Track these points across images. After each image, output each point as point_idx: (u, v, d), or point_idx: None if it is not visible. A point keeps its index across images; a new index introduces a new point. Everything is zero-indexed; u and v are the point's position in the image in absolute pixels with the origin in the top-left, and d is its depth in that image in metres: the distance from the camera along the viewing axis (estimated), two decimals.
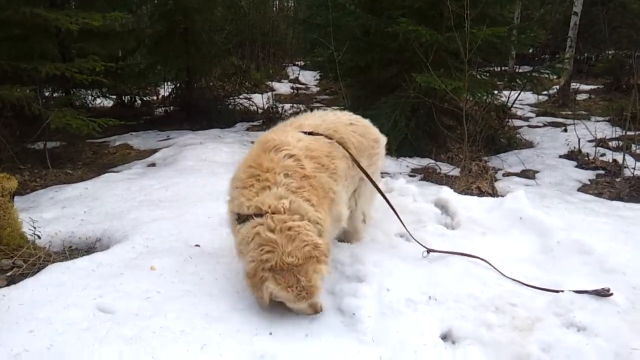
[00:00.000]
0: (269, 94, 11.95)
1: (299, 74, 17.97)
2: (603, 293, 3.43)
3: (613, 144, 8.32)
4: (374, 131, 4.20)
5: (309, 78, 17.38)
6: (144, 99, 12.21)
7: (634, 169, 6.48)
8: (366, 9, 8.55)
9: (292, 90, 15.79)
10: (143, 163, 7.36)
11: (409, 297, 3.45)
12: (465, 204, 4.91)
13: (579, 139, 8.02)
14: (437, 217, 4.79)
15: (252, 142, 8.53)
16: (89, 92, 10.18)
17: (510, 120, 9.99)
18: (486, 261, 3.85)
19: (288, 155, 3.27)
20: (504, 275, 3.71)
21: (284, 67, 19.01)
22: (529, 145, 8.93)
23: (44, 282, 3.27)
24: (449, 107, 7.67)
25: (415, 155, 7.73)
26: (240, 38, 13.55)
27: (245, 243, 3.01)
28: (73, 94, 9.52)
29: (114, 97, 11.63)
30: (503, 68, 13.38)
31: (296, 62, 19.69)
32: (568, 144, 8.36)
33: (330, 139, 3.60)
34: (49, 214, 4.80)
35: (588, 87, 15.49)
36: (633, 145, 8.05)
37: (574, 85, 14.02)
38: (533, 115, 12.09)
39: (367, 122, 4.19)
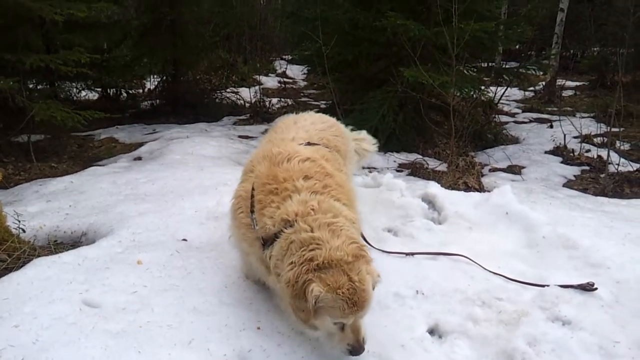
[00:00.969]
0: (257, 88, 11.89)
1: (286, 68, 17.90)
2: (587, 287, 3.49)
3: (598, 140, 8.40)
4: (342, 127, 4.22)
5: (296, 72, 17.33)
6: (130, 92, 12.06)
7: (618, 165, 6.56)
8: (354, 2, 8.52)
9: (279, 85, 15.73)
10: (129, 157, 7.30)
11: (397, 292, 3.47)
12: (452, 199, 4.94)
13: (565, 135, 8.09)
14: (424, 211, 4.82)
15: (239, 137, 8.61)
16: (73, 84, 10.02)
17: (496, 116, 10.06)
18: (467, 257, 3.89)
19: (303, 159, 3.03)
20: (487, 271, 3.75)
21: (272, 61, 18.92)
22: (515, 141, 9.00)
23: (29, 276, 3.24)
24: (437, 102, 7.68)
25: (402, 150, 7.74)
26: (228, 31, 13.44)
27: (281, 259, 2.61)
28: (58, 87, 9.38)
29: (99, 90, 11.47)
30: (490, 64, 13.44)
31: (284, 56, 19.61)
32: (554, 140, 8.43)
33: (327, 147, 3.53)
34: (33, 207, 4.74)
35: (574, 84, 15.64)
36: (617, 142, 8.15)
37: (559, 81, 14.13)
38: (519, 111, 12.17)
39: (334, 120, 4.16)
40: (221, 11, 11.80)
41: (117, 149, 8.04)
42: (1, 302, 2.94)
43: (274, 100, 11.83)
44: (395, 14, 7.15)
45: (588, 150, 7.80)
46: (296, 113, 4.18)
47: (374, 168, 6.72)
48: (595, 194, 6.06)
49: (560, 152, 7.90)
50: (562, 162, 7.49)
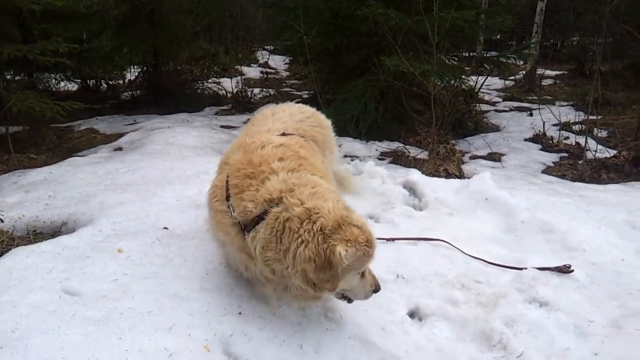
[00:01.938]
0: (239, 78, 11.83)
1: (268, 59, 17.84)
2: (564, 269, 3.56)
3: (576, 127, 8.52)
4: (322, 117, 4.19)
5: (278, 62, 17.28)
6: (110, 82, 11.94)
7: (595, 151, 6.67)
8: None
9: (261, 75, 15.67)
10: (109, 147, 7.23)
11: (378, 276, 3.48)
12: (433, 186, 4.99)
13: (544, 123, 8.19)
14: (405, 198, 4.87)
15: (221, 127, 8.57)
16: (52, 75, 9.90)
17: (477, 105, 10.13)
18: (447, 242, 3.95)
19: (276, 145, 3.03)
20: (467, 255, 3.81)
21: (254, 51, 18.82)
22: (496, 128, 9.08)
23: (7, 265, 3.21)
24: (418, 91, 7.72)
25: (384, 139, 7.77)
26: (209, 20, 13.30)
27: (276, 241, 2.55)
28: (36, 77, 9.26)
29: (79, 81, 11.34)
30: (471, 53, 13.52)
31: (266, 47, 19.52)
32: (533, 128, 8.54)
33: (303, 137, 3.51)
34: (12, 198, 4.69)
35: (553, 73, 15.80)
36: (595, 129, 8.28)
37: (539, 70, 14.27)
38: (500, 99, 12.28)
39: (313, 110, 4.14)
40: (202, 0, 11.67)
41: (97, 139, 7.95)
42: None
43: (256, 90, 11.78)
44: (376, 2, 7.15)
45: (567, 138, 7.90)
46: (277, 103, 4.17)
47: (356, 156, 6.74)
48: (573, 180, 6.15)
49: (540, 139, 8.00)
50: (541, 149, 7.58)
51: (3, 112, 6.66)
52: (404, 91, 7.67)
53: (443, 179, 5.47)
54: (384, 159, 7.02)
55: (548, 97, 11.83)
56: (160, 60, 10.95)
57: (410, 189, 5.02)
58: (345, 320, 2.99)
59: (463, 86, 9.10)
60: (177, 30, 10.87)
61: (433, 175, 5.61)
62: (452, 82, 8.31)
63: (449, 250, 3.88)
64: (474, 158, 7.23)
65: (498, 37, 18.80)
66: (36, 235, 3.98)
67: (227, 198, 2.82)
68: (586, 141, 6.76)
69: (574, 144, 7.58)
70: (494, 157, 7.28)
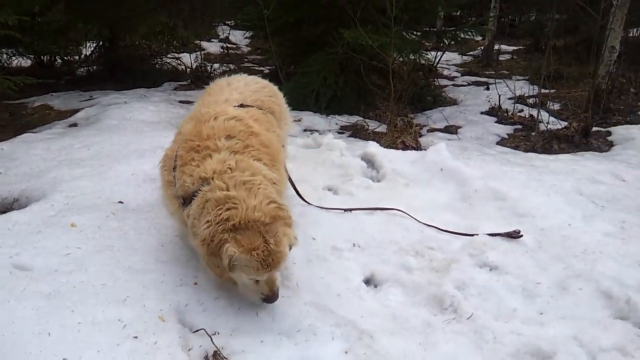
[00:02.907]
0: (198, 53, 11.61)
1: (229, 34, 17.53)
2: (514, 235, 3.69)
3: (530, 100, 8.71)
4: (275, 88, 4.19)
5: (239, 38, 16.99)
6: (65, 58, 11.54)
7: (548, 123, 6.84)
8: None
9: (222, 50, 15.40)
10: (64, 123, 7.03)
11: (334, 245, 3.56)
12: (390, 158, 5.07)
13: (500, 97, 8.34)
14: (363, 170, 4.93)
15: (180, 102, 8.44)
16: (3, 50, 9.52)
17: (436, 79, 10.22)
18: (402, 211, 4.03)
19: (229, 118, 3.01)
20: (421, 223, 3.90)
21: (215, 26, 18.46)
22: (453, 102, 9.20)
23: None
24: (377, 64, 7.73)
25: (344, 113, 7.78)
26: None
27: (198, 218, 2.60)
28: None
29: (32, 56, 10.93)
30: (431, 28, 13.59)
31: (227, 22, 19.17)
32: (489, 101, 8.69)
33: (261, 108, 3.51)
34: None
35: (510, 48, 16.03)
36: (548, 102, 8.49)
37: (497, 46, 14.46)
38: (458, 74, 12.41)
39: (266, 81, 4.14)
40: None
41: (52, 116, 7.72)
42: None
43: (216, 65, 11.60)
44: None
45: (521, 111, 8.08)
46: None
47: (316, 130, 6.75)
48: (526, 151, 6.32)
49: (495, 112, 8.15)
50: (496, 122, 7.73)
51: None
52: (364, 65, 7.68)
53: (400, 150, 5.54)
54: (343, 133, 7.05)
55: (505, 72, 12.01)
56: (117, 34, 10.64)
57: (369, 161, 5.08)
58: (302, 288, 3.04)
59: (422, 61, 9.15)
60: (134, 3, 10.55)
61: (391, 148, 5.67)
62: (412, 56, 8.35)
63: (404, 219, 3.96)
64: (431, 131, 7.32)
65: (458, 12, 18.93)
66: None
67: (174, 169, 2.81)
68: (539, 113, 6.92)
69: (527, 116, 7.76)
70: (451, 129, 7.39)
